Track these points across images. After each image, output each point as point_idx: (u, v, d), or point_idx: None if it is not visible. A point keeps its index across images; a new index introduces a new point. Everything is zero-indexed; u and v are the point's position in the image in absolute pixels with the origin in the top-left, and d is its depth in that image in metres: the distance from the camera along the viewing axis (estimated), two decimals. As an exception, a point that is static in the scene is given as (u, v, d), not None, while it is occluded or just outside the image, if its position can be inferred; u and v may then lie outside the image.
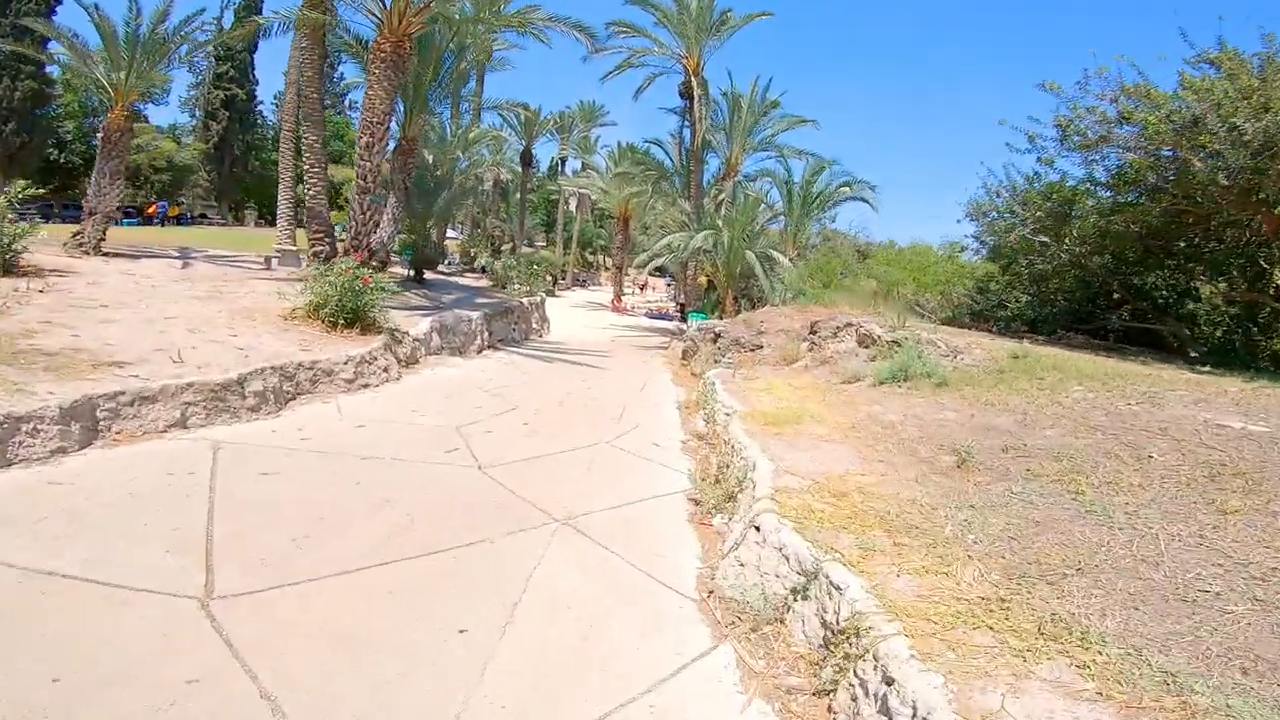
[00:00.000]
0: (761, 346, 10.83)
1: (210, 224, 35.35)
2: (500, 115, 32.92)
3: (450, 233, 36.14)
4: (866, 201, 18.73)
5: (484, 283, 22.28)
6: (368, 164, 12.40)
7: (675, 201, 19.99)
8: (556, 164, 48.23)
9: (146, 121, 33.75)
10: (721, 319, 17.96)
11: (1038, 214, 10.37)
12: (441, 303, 15.84)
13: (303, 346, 8.05)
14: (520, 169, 36.92)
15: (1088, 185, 10.18)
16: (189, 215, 35.79)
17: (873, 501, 3.72)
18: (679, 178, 21.22)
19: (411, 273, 18.53)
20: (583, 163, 34.96)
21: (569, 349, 16.02)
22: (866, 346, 8.52)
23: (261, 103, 45.94)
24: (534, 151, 35.79)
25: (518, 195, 37.89)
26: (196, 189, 37.15)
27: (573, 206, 45.83)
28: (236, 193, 39.75)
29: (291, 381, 7.05)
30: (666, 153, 22.01)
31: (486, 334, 13.91)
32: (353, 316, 9.41)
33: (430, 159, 21.45)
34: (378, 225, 13.00)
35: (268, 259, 17.03)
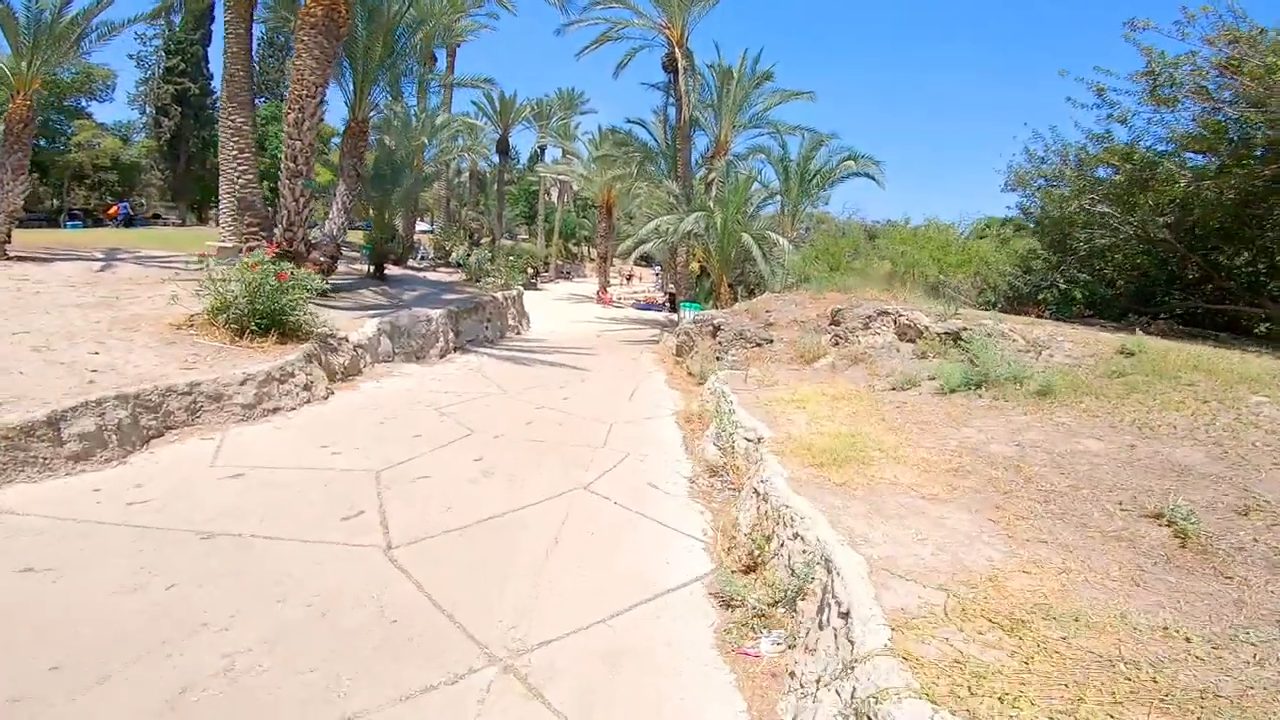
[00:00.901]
0: (771, 340, 9.08)
1: (165, 224, 33.02)
2: (474, 104, 30.87)
3: (423, 225, 34.06)
4: (872, 178, 17.05)
5: (457, 277, 20.33)
6: (298, 142, 10.46)
7: (661, 183, 18.17)
8: (537, 154, 46.13)
9: (89, 118, 31.29)
10: (718, 309, 16.21)
11: (1105, 180, 8.63)
12: (401, 301, 13.93)
13: (186, 364, 6.17)
14: (497, 158, 34.84)
15: (1174, 146, 8.42)
16: (141, 217, 33.40)
17: (1083, 640, 1.99)
18: (665, 158, 19.39)
19: (371, 268, 16.58)
20: (563, 150, 32.90)
21: (548, 347, 14.20)
22: (910, 340, 6.79)
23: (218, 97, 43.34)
24: (511, 141, 33.76)
25: (495, 186, 35.82)
26: (150, 188, 34.70)
27: (554, 196, 43.80)
28: (195, 191, 37.34)
29: (156, 413, 5.19)
30: (650, 133, 20.18)
31: (451, 335, 12.05)
32: (267, 321, 7.53)
33: (392, 144, 19.46)
34: (323, 215, 11.02)
35: (203, 258, 14.96)
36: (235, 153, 12.63)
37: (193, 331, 7.32)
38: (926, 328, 6.56)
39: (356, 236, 24.44)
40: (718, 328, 10.52)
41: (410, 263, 24.88)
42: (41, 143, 28.46)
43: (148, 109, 36.88)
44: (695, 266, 19.09)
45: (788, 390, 6.19)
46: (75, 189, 32.33)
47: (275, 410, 6.37)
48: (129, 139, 32.89)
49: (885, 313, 7.38)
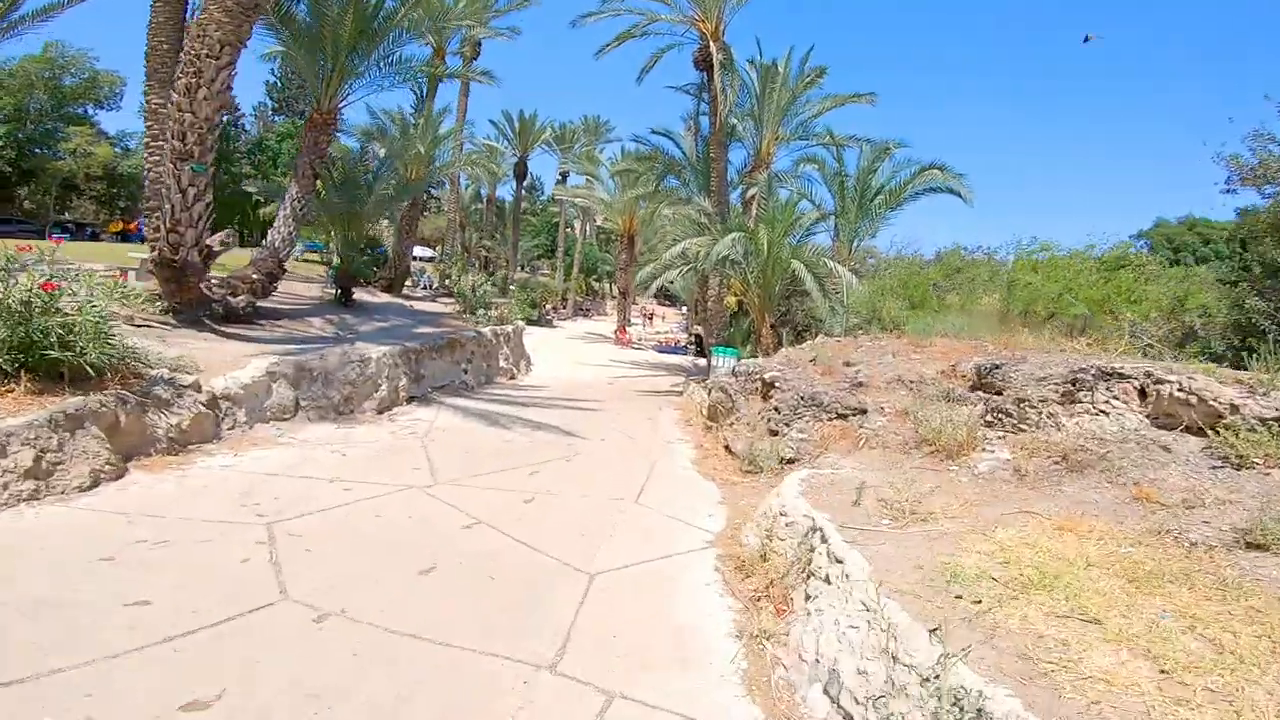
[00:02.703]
0: (865, 410, 5.71)
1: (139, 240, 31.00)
2: (491, 123, 28.57)
3: (426, 251, 31.58)
4: (956, 193, 13.80)
5: (454, 308, 17.37)
6: (188, 115, 7.59)
7: (691, 199, 15.15)
8: (559, 182, 43.94)
9: (92, 126, 29.64)
10: (758, 355, 12.89)
11: None
12: (353, 334, 10.91)
13: None
14: (514, 183, 32.47)
15: None
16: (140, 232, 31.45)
17: None
18: (695, 173, 16.46)
19: (337, 292, 13.65)
20: (586, 177, 30.41)
21: (543, 398, 10.99)
22: (1183, 427, 3.39)
23: (243, 115, 42.26)
24: (534, 171, 31.39)
25: (511, 214, 33.38)
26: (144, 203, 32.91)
27: (576, 229, 41.38)
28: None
29: None
30: (678, 144, 17.30)
31: (404, 381, 8.90)
32: (19, 358, 4.41)
33: (382, 151, 16.83)
34: (208, 209, 8.09)
35: (123, 270, 12.17)
36: (148, 140, 9.90)
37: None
38: (1233, 406, 3.18)
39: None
40: (770, 385, 7.19)
41: (406, 290, 22.17)
42: (36, 150, 26.71)
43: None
44: (731, 301, 15.89)
45: (984, 545, 2.82)
46: (73, 200, 30.55)
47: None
48: (129, 148, 31.10)
49: (1108, 375, 4.02)
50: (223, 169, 38.12)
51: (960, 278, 10.89)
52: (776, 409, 6.66)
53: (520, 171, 31.64)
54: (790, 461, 5.99)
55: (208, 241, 8.19)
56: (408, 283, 25.57)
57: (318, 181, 11.61)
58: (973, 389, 5.22)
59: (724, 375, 9.02)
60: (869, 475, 4.36)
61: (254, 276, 10.36)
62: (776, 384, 7.11)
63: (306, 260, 23.49)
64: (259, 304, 10.97)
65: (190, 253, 7.96)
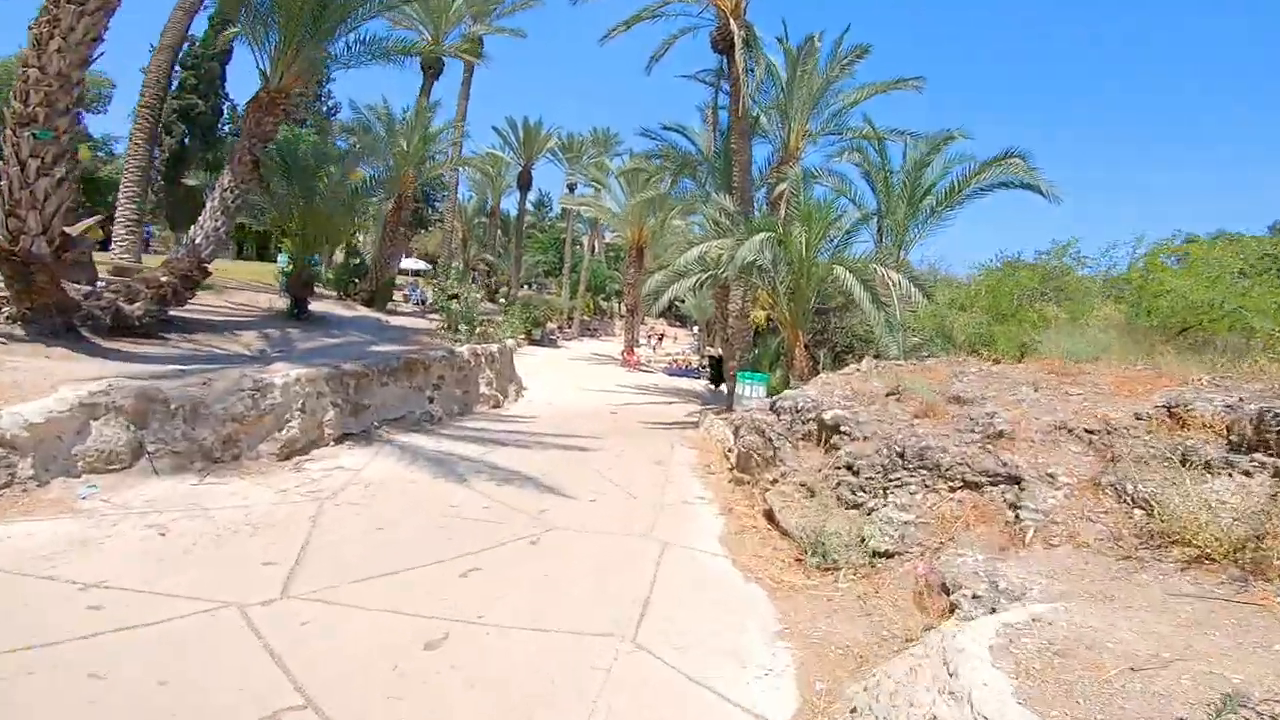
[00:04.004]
0: (1019, 480, 3.40)
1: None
2: (494, 130, 26.85)
3: (419, 264, 29.64)
4: (1034, 189, 11.48)
5: (436, 325, 15.22)
6: (34, 70, 5.56)
7: (709, 198, 12.98)
8: (567, 195, 42.23)
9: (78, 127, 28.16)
10: (790, 381, 10.60)
11: None
12: (288, 351, 8.75)
13: None
14: (518, 193, 30.61)
15: None
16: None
17: None
18: (713, 170, 14.33)
19: (291, 303, 11.55)
20: (594, 187, 28.46)
21: (526, 434, 8.75)
22: None
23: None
24: (543, 187, 29.54)
25: (515, 225, 31.48)
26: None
27: (583, 245, 39.45)
28: (194, 216, 34.00)
29: None
30: (692, 141, 15.20)
31: (329, 414, 6.69)
32: None
33: (358, 144, 14.87)
34: (60, 186, 5.95)
35: None
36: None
37: None
38: None
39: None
40: (833, 429, 4.89)
41: (392, 305, 20.09)
42: None
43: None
44: (760, 316, 13.58)
45: None
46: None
47: None
48: (114, 153, 29.58)
49: None
50: (214, 174, 36.43)
51: (1057, 284, 8.58)
52: (851, 468, 4.34)
53: (524, 181, 29.74)
54: (888, 555, 3.68)
55: (64, 229, 6.06)
56: (397, 296, 23.61)
57: (259, 169, 9.54)
58: (1238, 448, 2.90)
59: (756, 410, 6.72)
60: (1112, 617, 2.06)
61: (162, 279, 8.24)
62: (844, 429, 4.81)
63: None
64: (173, 313, 8.88)
65: (36, 242, 5.82)
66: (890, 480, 3.91)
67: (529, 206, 46.42)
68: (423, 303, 22.88)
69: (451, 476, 6.03)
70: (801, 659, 3.06)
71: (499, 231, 35.50)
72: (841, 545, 3.85)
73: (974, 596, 2.84)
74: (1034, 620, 2.27)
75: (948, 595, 3.07)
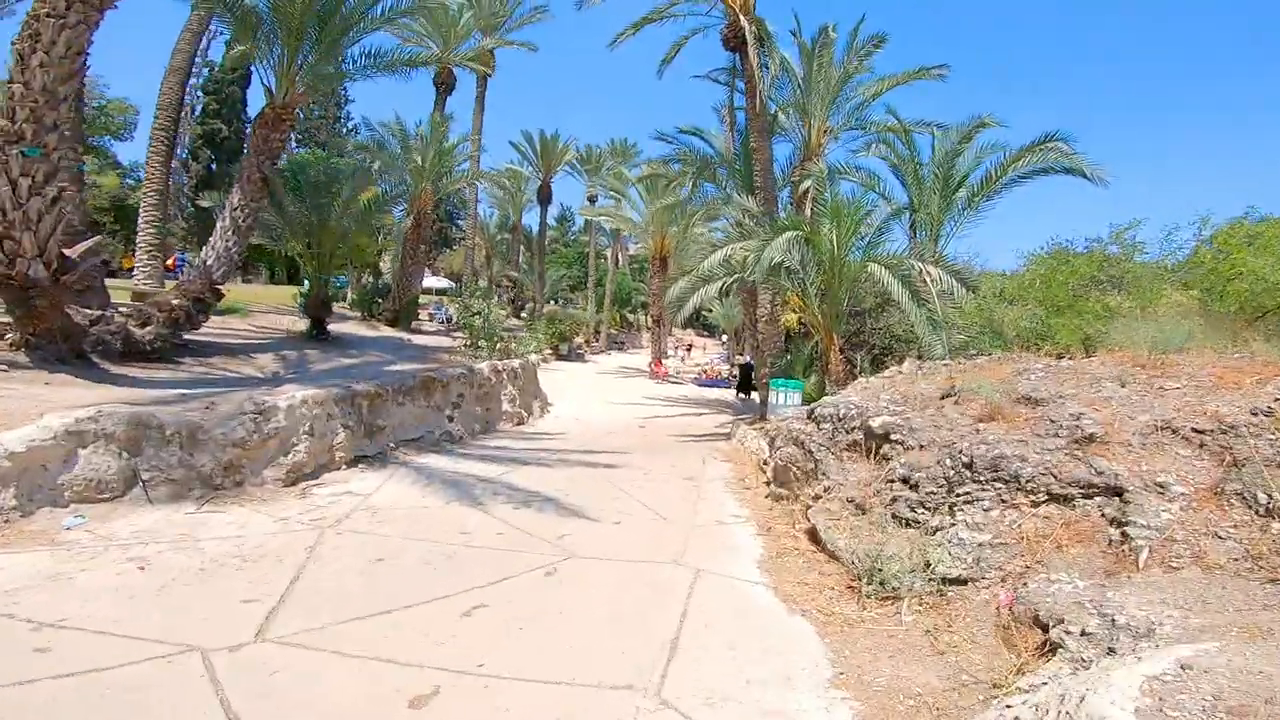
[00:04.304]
0: (1120, 490, 2.83)
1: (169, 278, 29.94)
2: (512, 144, 26.93)
3: (444, 283, 29.70)
4: (1079, 174, 10.71)
5: (460, 343, 14.99)
6: (19, 87, 5.41)
7: (730, 199, 12.51)
8: (588, 207, 42.23)
9: (109, 156, 28.82)
10: (827, 388, 10.03)
11: None
12: (304, 372, 8.52)
13: None
14: (539, 208, 30.56)
15: None
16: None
17: None
18: (730, 171, 13.82)
19: (309, 324, 11.40)
20: (613, 197, 28.25)
21: (550, 451, 8.35)
22: None
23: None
24: (565, 202, 29.49)
25: (537, 240, 31.42)
26: (170, 237, 31.84)
27: (608, 258, 39.27)
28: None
29: None
30: (709, 143, 14.75)
31: (339, 436, 6.37)
32: None
33: (375, 165, 14.82)
34: (54, 206, 5.77)
35: None
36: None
37: None
38: None
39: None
40: (882, 437, 4.35)
41: (417, 324, 20.00)
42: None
43: (180, 151, 35.04)
44: (792, 319, 12.96)
45: None
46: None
47: None
48: (141, 180, 30.36)
49: None
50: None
51: (1117, 272, 7.83)
52: (908, 481, 3.79)
53: (544, 195, 29.68)
54: (960, 582, 3.12)
55: (62, 251, 5.88)
56: (423, 316, 23.56)
57: (268, 187, 9.41)
58: None
59: (794, 419, 6.19)
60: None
61: (174, 303, 8.10)
62: (895, 437, 4.27)
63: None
64: (190, 336, 8.74)
65: (33, 265, 5.64)
66: (957, 495, 3.36)
67: (552, 222, 46.56)
68: (447, 321, 22.76)
69: (466, 500, 5.63)
70: (864, 715, 2.53)
71: (522, 247, 35.53)
72: (902, 570, 3.31)
73: (1082, 633, 2.29)
74: (1185, 669, 1.73)
75: (1044, 631, 2.52)
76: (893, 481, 4.03)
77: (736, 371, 22.84)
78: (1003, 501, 3.14)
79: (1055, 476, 3.04)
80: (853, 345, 11.31)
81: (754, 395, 20.80)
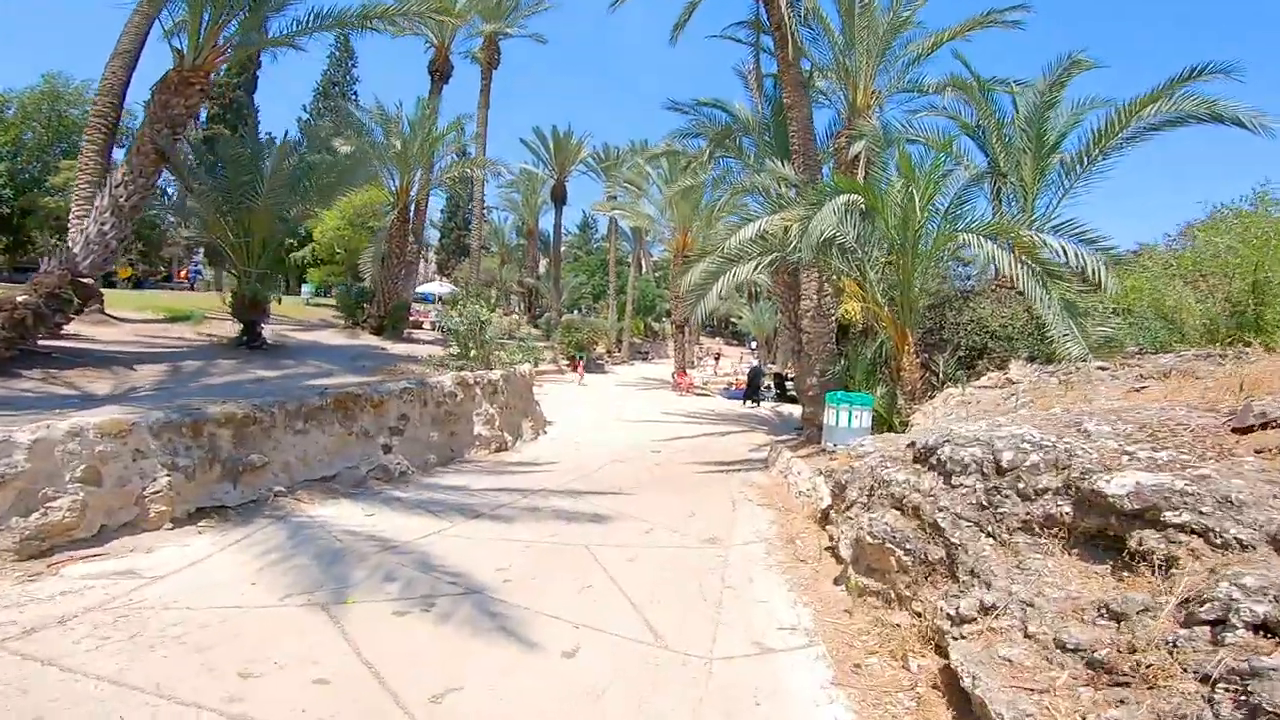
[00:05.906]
0: None
1: (175, 288, 28.62)
2: (523, 142, 24.99)
3: (445, 287, 27.68)
4: (1236, 122, 7.86)
5: (448, 352, 12.75)
6: None
7: (761, 167, 10.06)
8: (611, 214, 40.17)
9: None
10: (899, 401, 7.52)
11: None
12: (179, 387, 6.31)
13: None
14: (554, 209, 28.48)
15: None
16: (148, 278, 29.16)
17: None
18: (763, 139, 11.36)
19: (240, 330, 9.27)
20: (632, 195, 26.02)
21: (522, 493, 6.00)
22: None
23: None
24: (571, 192, 27.48)
25: (551, 243, 29.33)
26: (175, 247, 30.48)
27: (629, 264, 36.99)
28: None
29: None
30: (728, 113, 12.30)
31: (164, 480, 4.07)
32: None
33: (346, 148, 12.77)
34: None
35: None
36: None
37: None
38: None
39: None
40: (1131, 516, 1.84)
41: (410, 333, 17.88)
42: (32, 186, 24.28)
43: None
44: (853, 310, 10.18)
45: None
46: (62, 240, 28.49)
47: None
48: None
49: None
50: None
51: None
52: (1257, 625, 1.27)
53: (558, 195, 27.58)
54: None
55: None
56: (424, 325, 21.48)
57: (165, 162, 7.30)
58: None
59: (883, 458, 3.71)
60: None
61: (18, 299, 5.98)
62: (1170, 517, 1.75)
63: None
64: (57, 344, 6.64)
65: None
66: None
67: (574, 228, 44.62)
68: (446, 329, 20.64)
69: (323, 590, 3.30)
70: None
71: (538, 252, 33.51)
72: None
73: None
74: None
75: None
76: (1201, 623, 1.54)
77: (771, 381, 20.14)
78: None
79: None
80: (933, 344, 8.68)
81: (761, 404, 18.08)
